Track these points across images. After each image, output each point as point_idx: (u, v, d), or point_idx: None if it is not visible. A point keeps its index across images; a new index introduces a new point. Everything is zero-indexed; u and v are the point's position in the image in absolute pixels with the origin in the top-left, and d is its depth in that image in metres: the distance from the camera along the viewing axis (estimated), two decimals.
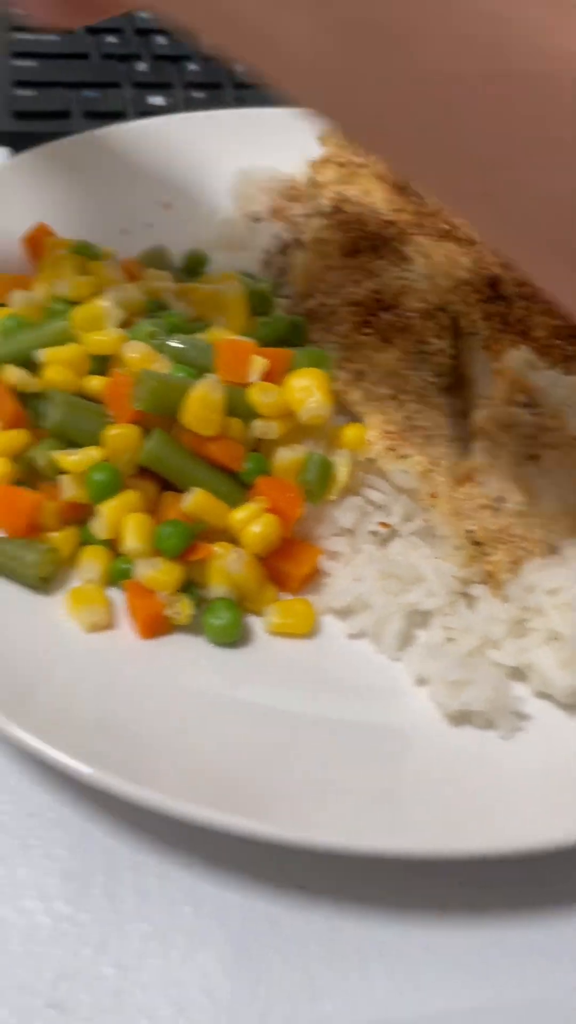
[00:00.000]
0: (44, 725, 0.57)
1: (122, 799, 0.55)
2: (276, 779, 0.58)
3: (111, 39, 1.16)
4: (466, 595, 0.66)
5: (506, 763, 0.60)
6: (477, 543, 0.65)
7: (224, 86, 1.14)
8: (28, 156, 0.95)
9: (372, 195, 0.86)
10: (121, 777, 0.54)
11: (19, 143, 1.04)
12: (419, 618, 0.67)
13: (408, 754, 0.61)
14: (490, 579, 0.65)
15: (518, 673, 0.64)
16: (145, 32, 1.19)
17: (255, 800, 0.56)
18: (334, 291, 0.79)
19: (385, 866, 0.59)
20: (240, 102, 1.12)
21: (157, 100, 1.10)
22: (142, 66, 1.14)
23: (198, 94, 1.12)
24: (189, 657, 0.65)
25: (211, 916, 0.57)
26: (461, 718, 0.62)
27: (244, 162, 1.01)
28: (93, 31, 1.17)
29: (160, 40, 1.17)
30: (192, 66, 1.15)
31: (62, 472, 0.68)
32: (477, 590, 0.66)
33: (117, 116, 1.07)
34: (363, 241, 0.82)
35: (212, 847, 0.59)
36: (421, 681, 0.64)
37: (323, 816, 0.56)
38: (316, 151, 0.99)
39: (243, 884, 0.59)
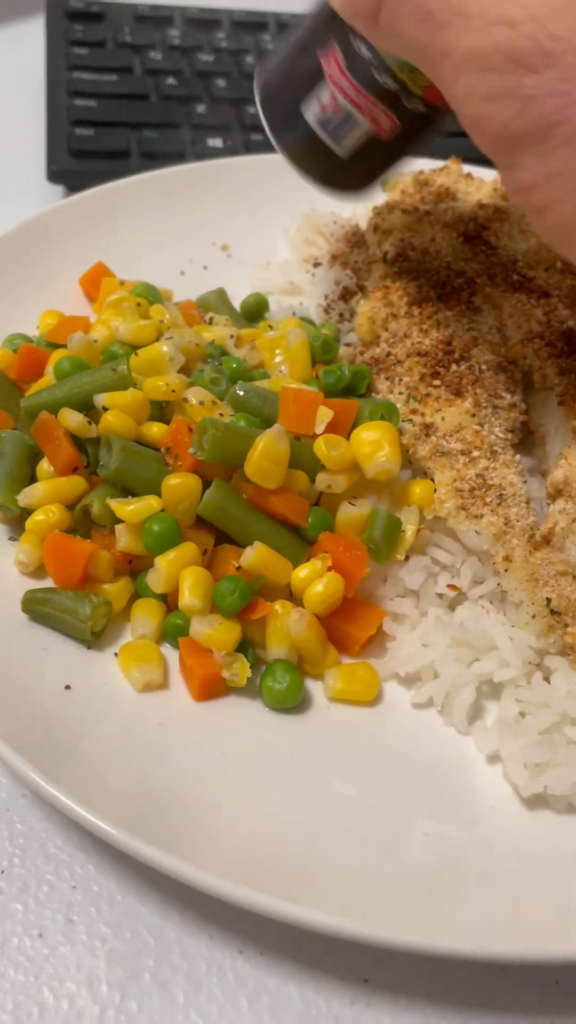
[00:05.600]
0: (79, 785, 0.54)
1: (162, 872, 0.51)
2: (334, 867, 0.54)
3: (171, 81, 1.16)
4: (542, 667, 0.62)
5: None
6: (555, 612, 0.61)
7: None
8: (86, 196, 0.94)
9: (439, 243, 0.84)
10: (159, 847, 0.51)
11: (76, 182, 1.03)
12: (490, 689, 0.64)
13: (479, 844, 0.56)
14: (570, 651, 0.61)
15: None
16: (205, 75, 1.18)
17: (311, 887, 0.52)
18: (399, 340, 0.77)
19: (451, 963, 0.55)
20: None
21: (216, 142, 1.09)
22: (201, 108, 1.13)
23: (256, 137, 1.11)
24: (243, 723, 0.62)
25: (269, 1012, 0.53)
26: (537, 802, 0.58)
27: (303, 206, 0.99)
28: (153, 72, 1.17)
29: (220, 83, 1.17)
30: (251, 109, 1.14)
31: (118, 521, 0.66)
32: (554, 662, 0.62)
33: (176, 157, 1.06)
34: (430, 290, 0.79)
35: (269, 932, 0.55)
36: (493, 759, 0.60)
37: (387, 910, 0.52)
38: (378, 196, 0.98)
39: (304, 975, 0.54)
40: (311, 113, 0.69)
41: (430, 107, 0.67)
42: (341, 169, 0.72)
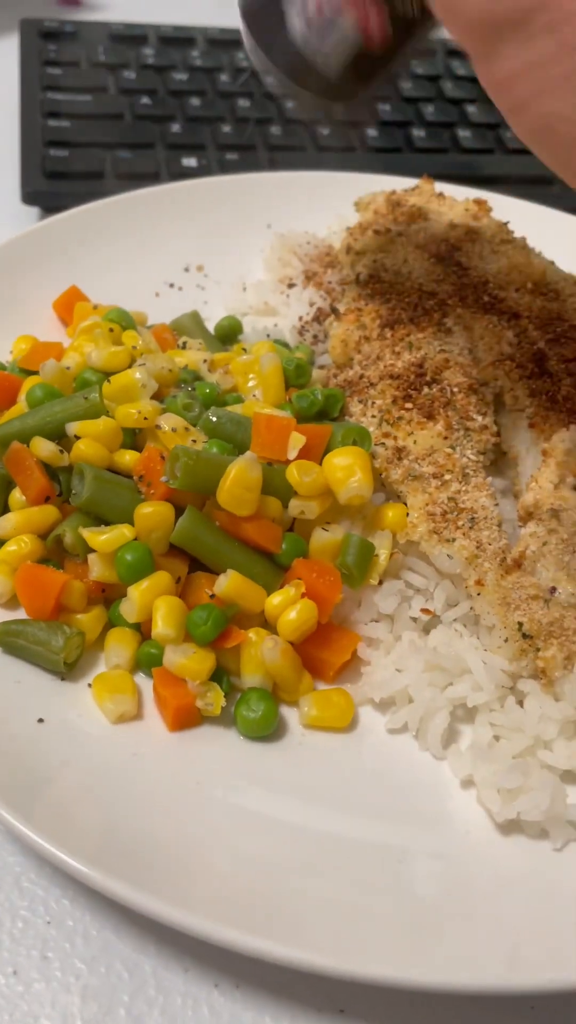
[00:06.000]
0: (51, 821, 0.53)
1: (134, 909, 0.51)
2: (309, 900, 0.54)
3: (145, 100, 1.16)
4: (515, 691, 0.63)
5: (561, 881, 0.56)
6: (527, 636, 0.62)
7: (257, 148, 1.13)
8: (61, 219, 0.94)
9: (411, 264, 0.84)
10: (131, 883, 0.51)
11: (51, 203, 1.03)
12: (464, 713, 0.64)
13: (454, 872, 0.56)
14: (542, 675, 0.61)
15: (569, 776, 0.60)
16: (179, 93, 1.18)
17: (285, 921, 0.52)
18: (372, 363, 0.77)
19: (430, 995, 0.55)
20: (273, 164, 1.11)
21: (190, 162, 1.09)
22: (176, 127, 1.13)
23: (231, 155, 1.11)
24: (218, 752, 0.61)
25: None
26: (511, 827, 0.58)
27: (278, 225, 1.00)
28: (127, 92, 1.17)
29: (194, 101, 1.17)
30: (226, 128, 1.14)
31: (91, 550, 0.66)
32: (527, 686, 0.62)
33: (151, 177, 1.06)
34: (402, 312, 0.79)
35: (245, 964, 0.55)
36: (467, 783, 0.61)
37: (363, 943, 0.52)
38: (352, 216, 0.98)
39: (279, 1007, 0.54)
40: (296, 24, 0.64)
41: (423, 11, 0.60)
42: (330, 86, 0.68)
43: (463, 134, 1.20)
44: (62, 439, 0.69)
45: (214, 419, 0.70)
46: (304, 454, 0.68)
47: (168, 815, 0.57)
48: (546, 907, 0.54)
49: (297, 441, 0.68)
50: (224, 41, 1.29)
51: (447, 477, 0.68)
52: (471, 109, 1.24)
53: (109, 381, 0.72)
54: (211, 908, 0.52)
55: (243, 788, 0.60)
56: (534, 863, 0.57)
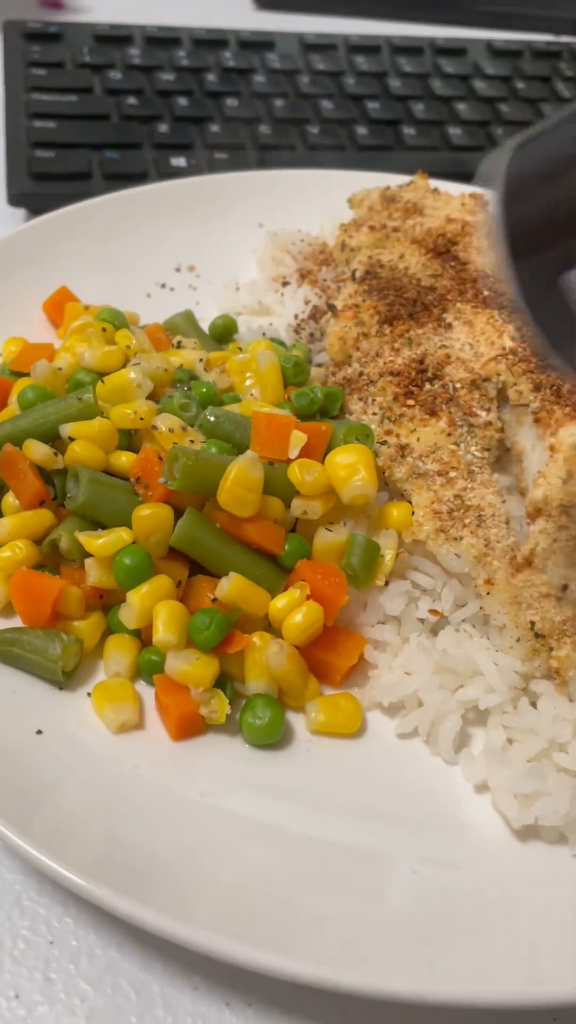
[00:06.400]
0: (52, 836, 0.51)
1: (139, 926, 0.49)
2: (321, 913, 0.52)
3: (132, 100, 1.14)
4: (528, 692, 0.61)
5: None
6: (540, 635, 0.60)
7: (247, 147, 1.12)
8: (49, 219, 0.92)
9: (407, 260, 0.83)
10: (135, 899, 0.48)
11: (38, 204, 1.01)
12: (476, 716, 0.62)
13: (469, 881, 0.54)
14: (555, 675, 0.60)
15: None
16: (166, 93, 1.17)
17: (298, 936, 0.50)
18: (371, 360, 0.76)
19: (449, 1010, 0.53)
20: (262, 163, 1.10)
21: (179, 161, 1.07)
22: (163, 127, 1.12)
23: (220, 155, 1.10)
24: (223, 762, 0.59)
25: None
26: (528, 832, 0.56)
27: (270, 224, 0.98)
28: (113, 92, 1.16)
29: (181, 101, 1.16)
30: (214, 127, 1.13)
31: (87, 555, 0.64)
32: (540, 686, 0.60)
33: (139, 177, 1.04)
34: (401, 308, 0.78)
35: (257, 981, 0.53)
36: (481, 788, 0.59)
37: (378, 958, 0.50)
38: (345, 213, 0.97)
39: None
40: None
41: None
42: None
43: (453, 132, 1.19)
44: (56, 441, 0.67)
45: (212, 419, 0.69)
46: (305, 453, 0.66)
47: (172, 827, 0.55)
48: (566, 915, 0.53)
49: (299, 440, 0.66)
50: (209, 41, 1.28)
51: (452, 474, 0.67)
52: (461, 107, 1.23)
53: (103, 381, 0.70)
54: (219, 923, 0.50)
55: (249, 798, 0.58)
56: (553, 869, 0.55)
